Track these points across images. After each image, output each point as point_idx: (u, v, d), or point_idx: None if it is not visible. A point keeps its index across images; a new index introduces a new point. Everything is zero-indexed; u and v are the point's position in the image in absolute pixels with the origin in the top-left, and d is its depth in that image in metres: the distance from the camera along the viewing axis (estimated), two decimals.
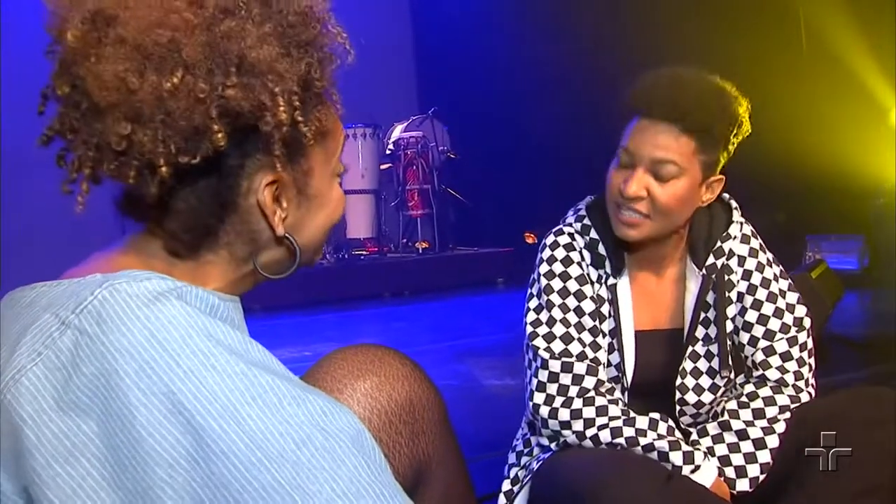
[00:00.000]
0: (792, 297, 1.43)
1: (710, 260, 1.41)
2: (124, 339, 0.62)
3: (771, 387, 1.39)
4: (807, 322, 1.43)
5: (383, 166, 6.42)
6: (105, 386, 0.62)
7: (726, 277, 1.41)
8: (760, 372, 1.40)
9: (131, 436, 0.60)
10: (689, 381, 1.40)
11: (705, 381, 1.41)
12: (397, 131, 6.60)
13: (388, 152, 6.50)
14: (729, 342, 1.42)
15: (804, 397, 1.39)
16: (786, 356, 1.40)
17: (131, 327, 0.63)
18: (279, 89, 0.70)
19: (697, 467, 1.30)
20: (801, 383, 1.39)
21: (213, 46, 0.68)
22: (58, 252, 6.33)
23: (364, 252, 6.33)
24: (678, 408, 1.42)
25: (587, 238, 1.44)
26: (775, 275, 1.44)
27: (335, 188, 0.83)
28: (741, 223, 1.44)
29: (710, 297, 1.41)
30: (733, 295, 1.41)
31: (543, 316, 1.40)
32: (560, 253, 1.43)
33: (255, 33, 0.69)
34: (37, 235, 6.10)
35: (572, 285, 1.41)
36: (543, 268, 1.43)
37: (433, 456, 1.05)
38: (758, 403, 1.38)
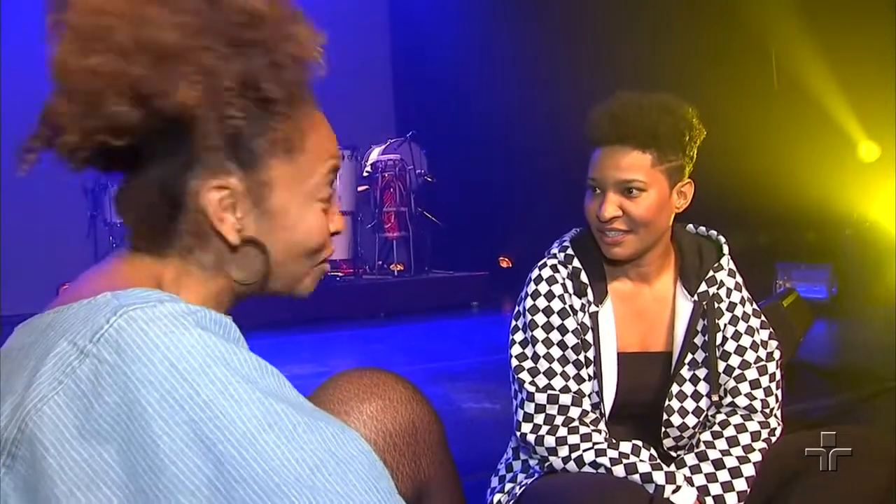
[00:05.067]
0: (764, 334, 1.50)
1: (703, 287, 1.46)
2: (145, 369, 0.63)
3: (741, 414, 1.43)
4: (776, 355, 1.49)
5: (360, 188, 6.44)
6: (127, 415, 0.63)
7: (716, 305, 1.46)
8: (730, 399, 1.45)
9: (153, 464, 0.61)
10: (675, 404, 1.44)
11: (689, 405, 1.45)
12: (375, 154, 6.62)
13: (365, 174, 6.52)
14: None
15: (773, 423, 1.44)
16: (754, 384, 1.44)
17: (152, 357, 0.64)
18: (196, 78, 0.70)
19: (679, 487, 1.33)
20: (767, 411, 1.44)
21: (137, 31, 0.70)
22: (57, 255, 6.17)
23: (339, 273, 6.33)
24: (663, 430, 1.45)
25: (570, 267, 1.48)
26: (754, 311, 1.50)
27: (312, 213, 0.82)
28: (729, 258, 1.50)
29: (699, 324, 1.45)
30: (720, 323, 1.46)
31: (528, 351, 1.45)
32: (543, 287, 1.47)
33: (172, 20, 0.71)
34: (35, 236, 6.04)
35: (555, 320, 1.45)
36: (528, 302, 1.47)
37: (433, 477, 1.07)
38: (730, 431, 1.41)
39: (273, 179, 0.78)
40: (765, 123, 4.85)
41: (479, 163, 6.88)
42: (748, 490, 1.37)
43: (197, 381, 0.63)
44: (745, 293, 1.50)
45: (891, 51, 4.27)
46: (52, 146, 0.73)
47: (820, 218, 4.71)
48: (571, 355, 1.44)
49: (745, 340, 1.46)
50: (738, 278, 1.50)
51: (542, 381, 1.42)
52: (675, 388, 1.45)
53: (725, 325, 1.46)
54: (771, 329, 1.51)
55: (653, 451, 1.40)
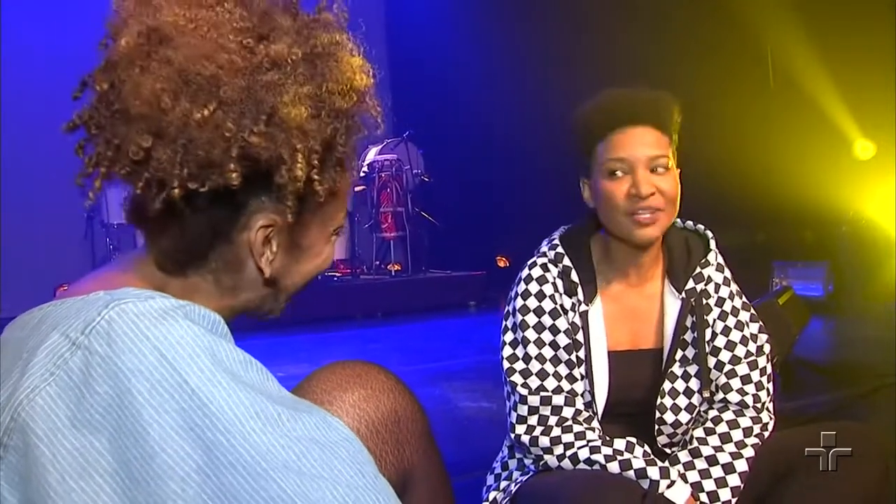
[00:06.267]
0: (754, 328, 1.49)
1: (690, 284, 1.46)
2: (135, 359, 0.65)
3: (733, 410, 1.44)
4: (766, 349, 1.49)
5: (357, 188, 6.45)
6: (118, 405, 0.64)
7: (704, 302, 1.46)
8: (722, 395, 1.45)
9: (144, 451, 0.63)
10: (668, 401, 1.44)
11: (682, 402, 1.45)
12: (372, 154, 6.63)
13: (362, 174, 6.52)
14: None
15: (765, 417, 1.44)
16: (745, 379, 1.45)
17: (142, 348, 0.66)
18: (301, 146, 0.73)
19: (673, 482, 1.34)
20: (759, 405, 1.45)
21: (251, 92, 0.71)
22: (54, 256, 6.16)
23: (337, 273, 6.33)
24: (656, 427, 1.45)
25: (560, 266, 1.47)
26: (743, 304, 1.50)
27: (330, 244, 0.87)
28: (716, 252, 1.50)
29: (688, 321, 1.45)
30: (709, 319, 1.46)
31: (519, 351, 1.44)
32: (534, 287, 1.47)
33: (292, 91, 0.73)
34: (32, 237, 6.05)
35: (546, 320, 1.45)
36: (518, 302, 1.47)
37: (417, 465, 1.08)
38: (723, 427, 1.42)
39: (313, 221, 0.83)
40: (761, 121, 4.86)
41: (476, 162, 6.89)
42: (741, 485, 1.37)
43: (185, 371, 0.65)
44: (735, 287, 1.50)
45: (886, 48, 4.28)
46: (116, 167, 0.73)
47: (816, 216, 4.72)
48: (563, 355, 1.43)
49: (735, 335, 1.46)
50: (727, 272, 1.50)
51: (534, 382, 1.41)
52: (667, 386, 1.45)
53: (714, 320, 1.46)
54: (761, 322, 1.51)
55: (647, 448, 1.40)
